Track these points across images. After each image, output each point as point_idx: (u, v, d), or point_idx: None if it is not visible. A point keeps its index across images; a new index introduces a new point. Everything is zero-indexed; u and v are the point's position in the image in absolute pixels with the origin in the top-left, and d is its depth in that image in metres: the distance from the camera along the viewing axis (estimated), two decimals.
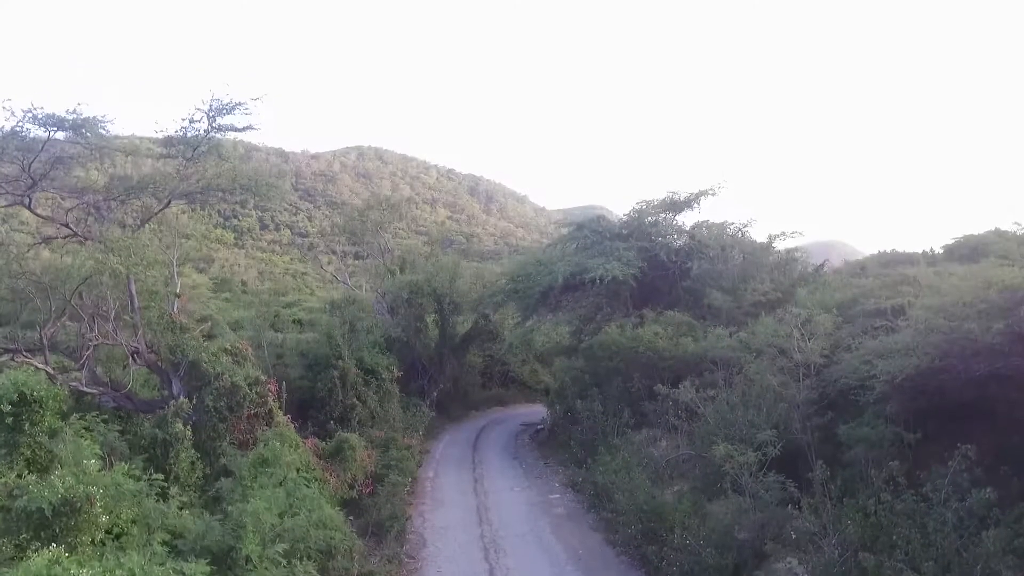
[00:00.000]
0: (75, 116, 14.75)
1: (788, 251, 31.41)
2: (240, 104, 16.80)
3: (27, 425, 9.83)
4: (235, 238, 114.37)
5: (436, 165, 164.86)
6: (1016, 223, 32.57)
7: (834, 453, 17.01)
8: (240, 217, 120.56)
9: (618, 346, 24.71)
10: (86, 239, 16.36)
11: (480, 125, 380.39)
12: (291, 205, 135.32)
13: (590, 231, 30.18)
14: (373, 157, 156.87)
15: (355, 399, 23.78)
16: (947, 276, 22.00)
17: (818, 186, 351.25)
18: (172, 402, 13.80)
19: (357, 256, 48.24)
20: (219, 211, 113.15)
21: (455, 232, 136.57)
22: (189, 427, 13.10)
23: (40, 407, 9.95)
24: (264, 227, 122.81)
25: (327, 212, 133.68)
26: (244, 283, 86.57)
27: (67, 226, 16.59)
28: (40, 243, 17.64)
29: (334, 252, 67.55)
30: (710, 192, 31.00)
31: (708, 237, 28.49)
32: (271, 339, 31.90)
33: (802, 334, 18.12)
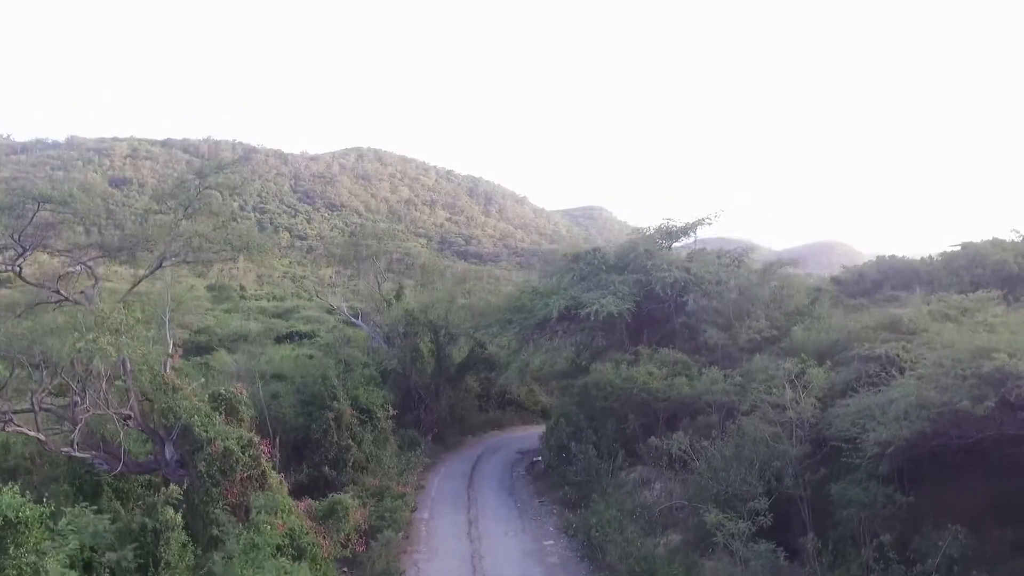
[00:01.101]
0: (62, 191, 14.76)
1: (783, 279, 31.37)
2: (232, 164, 16.80)
3: (12, 548, 9.81)
4: None
5: (435, 166, 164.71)
6: (1014, 231, 32.62)
7: (827, 508, 17.05)
8: (238, 220, 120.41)
9: (612, 386, 24.69)
10: (76, 303, 16.34)
11: (479, 126, 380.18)
12: (290, 207, 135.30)
13: (586, 263, 30.18)
14: (372, 158, 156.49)
15: (350, 440, 23.76)
16: (941, 319, 22.06)
17: (819, 187, 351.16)
18: (163, 489, 13.82)
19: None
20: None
21: (454, 234, 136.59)
22: (180, 513, 13.12)
23: (26, 527, 9.94)
24: (263, 230, 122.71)
25: (326, 215, 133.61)
26: (243, 287, 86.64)
27: (57, 292, 16.57)
28: (32, 308, 17.58)
29: (333, 255, 67.47)
30: (706, 221, 31.17)
31: (703, 270, 28.45)
32: (268, 359, 31.86)
33: (795, 389, 18.10)
